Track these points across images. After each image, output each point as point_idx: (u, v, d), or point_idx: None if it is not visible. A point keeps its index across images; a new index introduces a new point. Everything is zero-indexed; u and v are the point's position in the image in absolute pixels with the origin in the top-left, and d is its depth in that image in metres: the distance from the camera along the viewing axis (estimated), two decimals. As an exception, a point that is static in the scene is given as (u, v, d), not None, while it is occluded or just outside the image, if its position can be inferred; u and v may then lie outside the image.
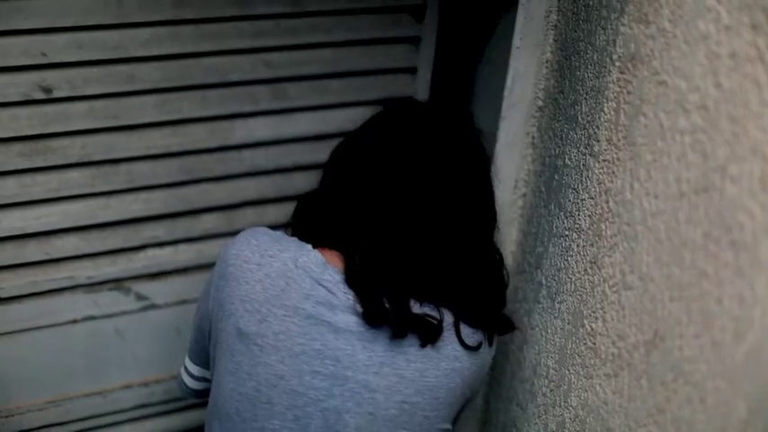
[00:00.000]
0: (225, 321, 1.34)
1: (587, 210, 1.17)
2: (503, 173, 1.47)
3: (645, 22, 1.00)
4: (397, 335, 1.28)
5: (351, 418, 1.31)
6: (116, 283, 1.73)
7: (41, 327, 1.70)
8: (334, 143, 1.39)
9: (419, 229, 1.29)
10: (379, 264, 1.30)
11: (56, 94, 1.49)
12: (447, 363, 1.32)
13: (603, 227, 1.11)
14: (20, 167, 1.53)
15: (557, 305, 1.27)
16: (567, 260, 1.23)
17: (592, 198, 1.16)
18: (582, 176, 1.19)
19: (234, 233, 1.47)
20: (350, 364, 1.30)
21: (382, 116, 1.37)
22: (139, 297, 1.76)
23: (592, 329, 1.13)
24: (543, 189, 1.36)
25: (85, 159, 1.56)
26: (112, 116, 1.54)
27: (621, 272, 1.05)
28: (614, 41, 1.09)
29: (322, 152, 1.45)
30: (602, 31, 1.13)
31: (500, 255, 1.35)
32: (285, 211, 1.64)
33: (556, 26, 1.32)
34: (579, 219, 1.20)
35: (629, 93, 1.05)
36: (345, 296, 1.30)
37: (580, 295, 1.18)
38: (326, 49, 1.62)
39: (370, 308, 1.28)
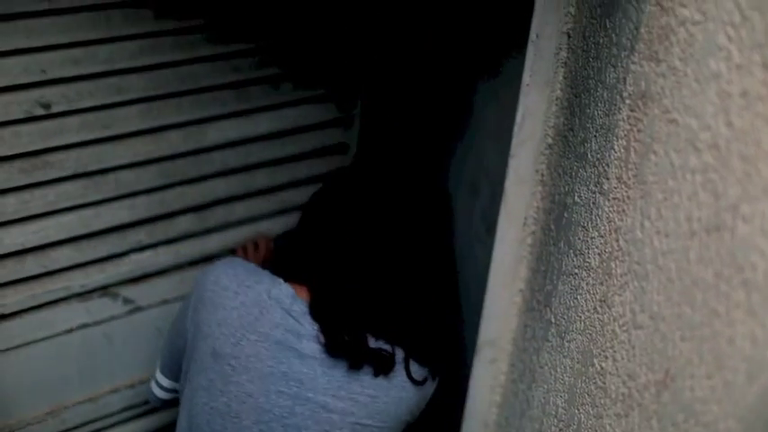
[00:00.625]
0: (201, 341, 1.50)
1: (597, 248, 1.16)
2: (512, 211, 1.46)
3: (655, 60, 1.00)
4: (354, 366, 1.49)
5: None
6: (105, 289, 1.77)
7: (40, 339, 1.73)
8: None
9: (377, 273, 1.51)
10: (341, 301, 1.50)
11: (54, 110, 1.53)
12: (396, 392, 1.53)
13: (613, 265, 1.11)
14: (21, 183, 1.57)
15: (566, 344, 1.26)
16: (577, 298, 1.22)
17: (601, 236, 1.15)
18: (591, 215, 1.19)
19: (205, 232, 1.66)
20: (311, 387, 1.49)
21: (351, 175, 1.58)
22: (126, 301, 1.81)
23: (602, 369, 1.12)
24: (553, 227, 1.36)
25: (80, 171, 1.62)
26: (103, 127, 1.60)
27: (632, 311, 1.05)
28: (624, 79, 1.09)
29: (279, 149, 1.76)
30: (612, 69, 1.13)
31: (456, 304, 1.62)
32: (250, 208, 1.76)
33: (566, 64, 1.32)
34: (589, 257, 1.19)
35: (639, 131, 1.05)
36: (311, 326, 1.49)
37: (590, 334, 1.17)
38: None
39: (331, 340, 1.48)
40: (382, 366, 1.51)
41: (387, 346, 1.52)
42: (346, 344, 1.48)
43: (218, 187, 1.85)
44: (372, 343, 1.51)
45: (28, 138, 1.54)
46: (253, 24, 1.70)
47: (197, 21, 1.63)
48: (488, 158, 1.70)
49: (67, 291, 1.72)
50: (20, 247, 1.62)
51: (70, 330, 1.76)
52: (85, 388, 1.86)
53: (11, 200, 1.57)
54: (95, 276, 1.75)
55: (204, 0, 1.61)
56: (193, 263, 1.90)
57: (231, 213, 1.89)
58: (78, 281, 1.73)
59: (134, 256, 1.80)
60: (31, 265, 1.66)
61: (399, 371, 1.53)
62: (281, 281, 1.53)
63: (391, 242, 1.52)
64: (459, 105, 1.71)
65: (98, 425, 1.93)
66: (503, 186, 1.46)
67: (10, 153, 1.54)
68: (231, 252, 1.95)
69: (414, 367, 1.54)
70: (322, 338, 1.49)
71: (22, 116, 1.52)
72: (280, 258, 1.64)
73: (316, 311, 1.51)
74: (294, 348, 1.49)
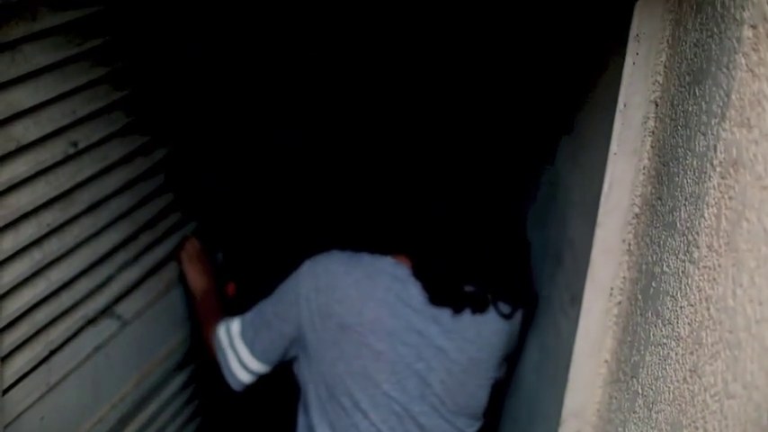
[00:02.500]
0: (325, 322, 1.81)
1: (687, 317, 1.15)
2: (598, 281, 1.45)
3: (747, 126, 1.00)
4: (457, 310, 1.83)
5: (435, 374, 1.85)
6: (107, 310, 1.80)
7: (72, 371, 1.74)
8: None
9: (463, 235, 1.81)
10: (438, 259, 1.82)
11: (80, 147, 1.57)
12: (492, 325, 1.87)
13: (704, 334, 1.09)
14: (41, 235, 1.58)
15: (654, 415, 1.23)
16: (666, 369, 1.20)
17: (691, 305, 1.13)
18: (681, 284, 1.17)
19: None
20: (428, 335, 1.81)
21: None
22: (119, 317, 1.83)
23: (692, 440, 1.10)
24: (640, 297, 1.34)
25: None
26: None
27: (724, 380, 1.02)
28: (715, 147, 1.08)
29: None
30: (702, 137, 1.13)
31: (527, 245, 1.98)
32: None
33: (653, 132, 1.32)
34: (678, 326, 1.17)
35: (730, 198, 1.04)
36: (415, 285, 1.82)
37: (679, 405, 1.14)
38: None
39: (434, 292, 1.81)
40: (479, 305, 1.85)
41: (479, 291, 1.85)
42: (448, 293, 1.82)
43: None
44: (468, 289, 1.85)
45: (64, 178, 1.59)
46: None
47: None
48: (572, 229, 1.70)
49: (85, 318, 1.75)
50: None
51: (88, 358, 1.79)
52: (95, 411, 1.87)
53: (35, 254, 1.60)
54: (100, 299, 1.78)
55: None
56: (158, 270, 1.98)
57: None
58: (91, 307, 1.76)
59: (121, 274, 1.85)
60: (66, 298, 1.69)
61: (491, 309, 1.86)
62: (379, 255, 1.86)
63: (471, 210, 1.83)
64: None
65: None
66: (587, 256, 1.45)
67: (48, 198, 1.56)
68: (176, 260, 2.13)
69: (502, 305, 1.87)
70: (426, 294, 1.81)
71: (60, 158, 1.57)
72: (372, 237, 1.93)
73: (418, 271, 1.82)
74: (408, 305, 1.81)
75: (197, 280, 2.15)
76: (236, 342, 1.96)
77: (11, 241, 1.47)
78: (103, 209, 1.73)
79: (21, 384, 1.56)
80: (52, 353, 1.64)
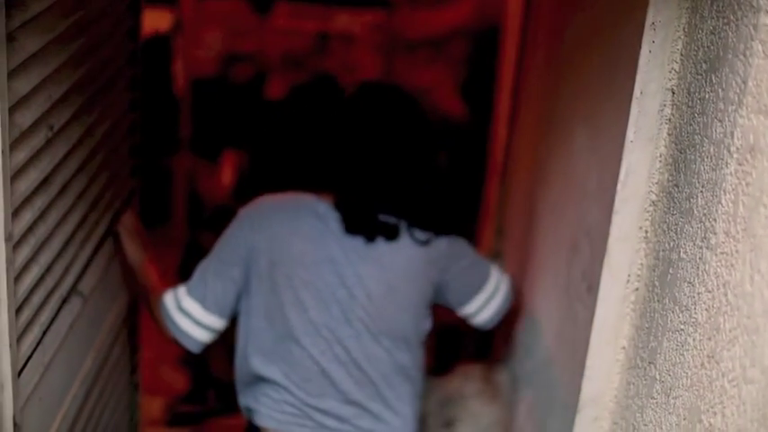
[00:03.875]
0: (259, 259, 1.99)
1: (704, 303, 1.15)
2: (615, 268, 1.46)
3: (764, 112, 1.01)
4: (370, 237, 1.99)
5: (357, 300, 2.00)
6: (74, 289, 1.87)
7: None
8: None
9: (382, 173, 2.00)
10: (356, 193, 2.01)
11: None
12: (406, 251, 2.01)
13: (722, 320, 1.09)
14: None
15: (671, 401, 1.24)
16: (683, 355, 1.21)
17: (709, 291, 1.14)
18: (698, 270, 1.18)
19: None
20: (346, 262, 1.99)
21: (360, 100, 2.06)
22: (81, 294, 1.90)
23: (710, 425, 1.10)
24: (657, 284, 1.35)
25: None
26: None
27: (742, 365, 1.03)
28: (732, 133, 1.09)
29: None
30: (718, 124, 1.14)
31: (440, 176, 2.21)
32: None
33: (670, 120, 1.33)
34: (696, 313, 1.18)
35: (748, 184, 1.04)
36: (335, 217, 1.99)
37: (697, 390, 1.15)
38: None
39: (349, 221, 1.98)
40: (391, 233, 2.00)
41: (392, 220, 2.01)
42: (361, 222, 1.99)
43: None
44: (382, 218, 2.01)
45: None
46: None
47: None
48: (589, 217, 1.70)
49: (60, 298, 1.80)
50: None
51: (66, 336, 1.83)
52: (71, 386, 1.92)
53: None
54: (68, 279, 1.82)
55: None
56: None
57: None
58: (64, 286, 1.80)
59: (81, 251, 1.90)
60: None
61: (405, 236, 2.01)
62: (303, 193, 2.06)
63: (389, 150, 2.01)
64: None
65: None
66: (604, 244, 1.46)
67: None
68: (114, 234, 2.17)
69: (417, 232, 2.02)
70: (343, 224, 1.98)
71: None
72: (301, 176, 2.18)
73: (338, 204, 2.00)
74: (329, 237, 1.99)
75: (137, 252, 2.16)
76: (184, 303, 2.04)
77: (18, 228, 1.50)
78: (69, 190, 1.76)
79: (27, 366, 1.59)
80: (44, 333, 1.68)
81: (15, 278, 1.50)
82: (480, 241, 3.50)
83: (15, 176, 1.47)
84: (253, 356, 2.04)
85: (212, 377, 3.60)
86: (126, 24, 2.11)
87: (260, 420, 2.06)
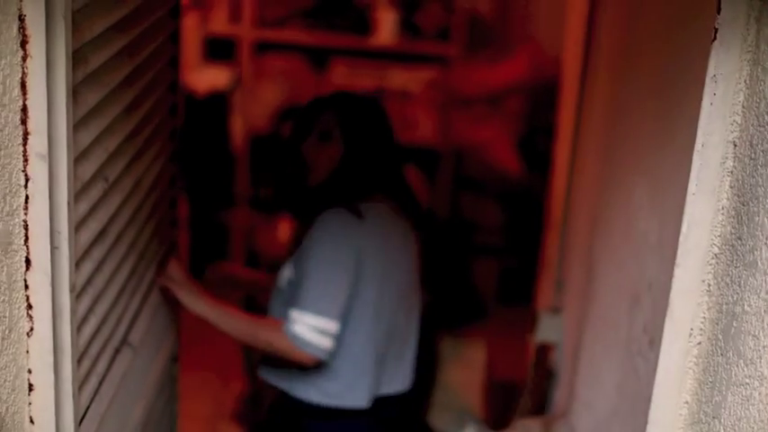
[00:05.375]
0: (370, 269, 2.26)
1: (770, 356, 1.14)
2: (677, 322, 1.44)
3: (829, 164, 1.00)
4: (420, 229, 2.50)
5: (409, 283, 2.42)
6: (125, 339, 1.90)
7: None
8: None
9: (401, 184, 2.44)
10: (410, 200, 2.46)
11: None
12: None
13: (788, 373, 1.08)
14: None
15: (738, 456, 1.22)
16: (749, 409, 1.19)
17: (774, 344, 1.13)
18: (763, 323, 1.17)
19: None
20: (407, 251, 2.42)
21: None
22: (131, 345, 1.92)
23: (778, 481, 1.09)
24: (720, 337, 1.34)
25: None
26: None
27: (810, 419, 1.01)
28: (796, 185, 1.09)
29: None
30: (782, 176, 1.13)
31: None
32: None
33: (732, 172, 1.32)
34: (761, 366, 1.17)
35: (813, 236, 1.04)
36: (400, 216, 2.38)
37: (764, 445, 1.13)
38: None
39: (417, 221, 2.44)
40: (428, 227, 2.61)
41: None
42: (421, 220, 2.49)
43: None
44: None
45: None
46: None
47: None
48: (650, 270, 1.70)
49: (113, 349, 1.81)
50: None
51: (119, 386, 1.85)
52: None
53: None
54: (121, 329, 1.85)
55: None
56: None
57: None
58: (116, 337, 1.83)
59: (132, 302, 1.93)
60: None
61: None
62: (368, 201, 2.31)
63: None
64: None
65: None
66: (666, 298, 1.45)
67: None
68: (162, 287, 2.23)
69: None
70: (411, 222, 2.41)
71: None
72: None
73: (403, 207, 2.40)
74: (396, 232, 2.36)
75: (200, 301, 2.23)
76: (307, 318, 2.19)
77: (80, 279, 1.54)
78: (121, 241, 1.80)
79: (87, 416, 1.62)
80: (100, 384, 1.71)
81: (77, 328, 1.53)
82: (540, 295, 3.48)
83: (77, 228, 1.51)
84: (353, 337, 2.32)
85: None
86: (168, 78, 2.17)
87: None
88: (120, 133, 1.72)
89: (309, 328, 2.17)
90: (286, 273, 2.32)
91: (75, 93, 1.43)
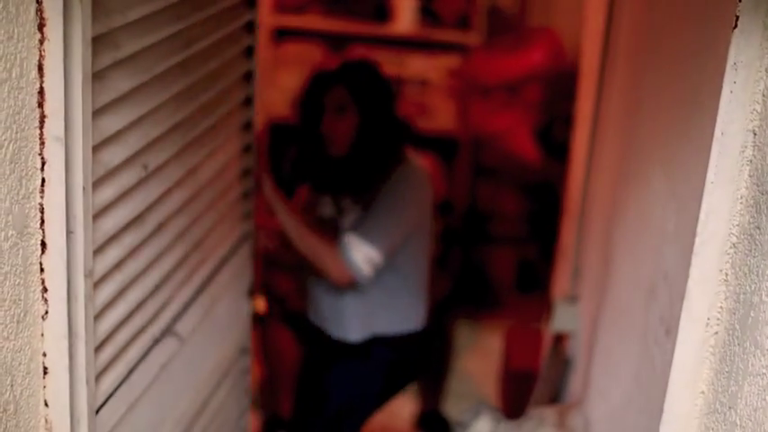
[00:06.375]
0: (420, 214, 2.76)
1: (787, 347, 1.13)
2: (694, 311, 1.44)
3: None
4: None
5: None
6: (169, 329, 1.88)
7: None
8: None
9: None
10: None
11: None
12: None
13: (805, 364, 1.07)
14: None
15: (753, 447, 1.22)
16: (765, 399, 1.19)
17: (792, 334, 1.12)
18: (780, 312, 1.16)
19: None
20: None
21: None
22: (178, 336, 1.91)
23: (793, 471, 1.08)
24: (737, 327, 1.33)
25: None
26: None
27: (827, 410, 1.01)
28: (816, 174, 1.08)
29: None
30: (802, 165, 1.12)
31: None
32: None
33: (751, 161, 1.31)
34: (778, 356, 1.16)
35: (832, 225, 1.03)
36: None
37: (780, 436, 1.13)
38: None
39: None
40: None
41: None
42: None
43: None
44: None
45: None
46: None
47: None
48: (667, 259, 1.69)
49: (152, 338, 1.79)
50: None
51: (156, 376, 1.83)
52: (161, 428, 1.91)
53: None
54: (163, 318, 1.84)
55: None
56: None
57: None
58: (157, 326, 1.81)
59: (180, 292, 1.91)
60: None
61: None
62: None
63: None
64: None
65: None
66: (683, 287, 1.44)
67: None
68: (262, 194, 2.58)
69: None
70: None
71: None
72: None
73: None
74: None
75: (283, 209, 2.64)
76: (364, 246, 2.59)
77: (100, 265, 1.52)
78: (166, 230, 1.78)
79: (108, 404, 1.61)
80: (130, 372, 1.69)
81: (97, 315, 1.53)
82: (556, 283, 3.47)
83: (100, 213, 1.50)
84: (400, 282, 2.81)
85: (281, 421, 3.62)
86: (241, 69, 2.13)
87: None
88: (167, 121, 1.70)
89: (362, 254, 2.57)
90: (351, 216, 2.70)
91: (101, 77, 1.42)
